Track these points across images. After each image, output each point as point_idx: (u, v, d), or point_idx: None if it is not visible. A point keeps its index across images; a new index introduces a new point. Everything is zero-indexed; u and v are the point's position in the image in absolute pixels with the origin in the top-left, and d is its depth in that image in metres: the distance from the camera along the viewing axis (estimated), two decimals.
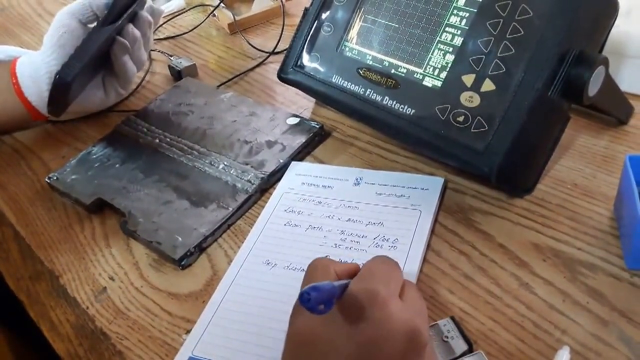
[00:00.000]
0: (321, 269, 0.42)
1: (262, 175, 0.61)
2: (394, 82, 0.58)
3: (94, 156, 0.67)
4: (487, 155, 0.51)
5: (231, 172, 0.62)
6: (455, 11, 0.55)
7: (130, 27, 0.69)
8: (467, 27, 0.54)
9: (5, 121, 0.70)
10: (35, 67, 0.66)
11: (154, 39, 0.90)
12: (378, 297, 0.37)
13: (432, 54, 0.56)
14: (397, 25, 0.59)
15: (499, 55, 0.52)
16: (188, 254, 0.55)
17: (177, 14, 0.98)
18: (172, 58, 0.83)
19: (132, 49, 0.69)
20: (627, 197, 0.48)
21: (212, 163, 0.64)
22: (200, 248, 0.56)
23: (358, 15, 0.62)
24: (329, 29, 0.64)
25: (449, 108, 0.54)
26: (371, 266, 0.41)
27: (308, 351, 0.38)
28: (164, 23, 0.95)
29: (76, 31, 0.66)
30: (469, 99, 0.53)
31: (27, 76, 0.67)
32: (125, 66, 0.70)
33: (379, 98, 0.58)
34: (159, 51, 0.87)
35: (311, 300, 0.34)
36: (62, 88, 0.64)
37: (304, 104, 0.72)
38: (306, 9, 0.67)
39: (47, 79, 0.66)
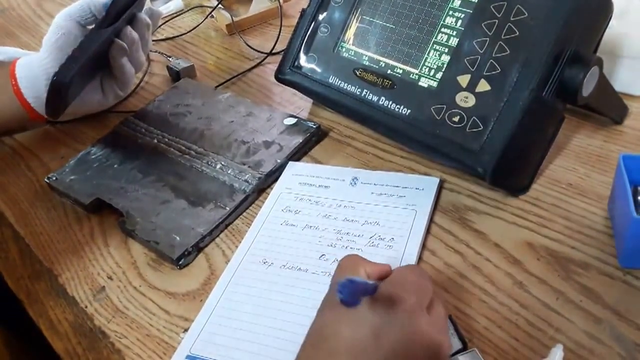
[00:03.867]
0: (351, 267, 0.41)
1: (260, 175, 0.61)
2: (390, 82, 0.58)
3: (93, 156, 0.68)
4: (482, 155, 0.52)
5: (229, 172, 0.63)
6: (450, 12, 0.56)
7: (129, 29, 0.69)
8: (462, 28, 0.55)
9: (4, 122, 0.70)
10: (34, 68, 0.67)
11: (153, 40, 0.90)
12: (406, 304, 0.38)
13: (427, 55, 0.57)
14: (393, 26, 0.60)
15: (494, 55, 0.52)
16: (186, 253, 0.55)
17: (175, 15, 0.98)
18: (170, 59, 0.83)
19: (131, 50, 0.69)
20: (620, 197, 0.48)
21: (210, 163, 0.64)
22: (198, 247, 0.56)
23: (355, 16, 0.63)
24: (326, 30, 0.65)
25: (445, 108, 0.54)
26: (403, 273, 0.41)
27: (331, 346, 0.38)
28: (162, 24, 0.96)
29: (74, 33, 0.66)
30: (465, 99, 0.53)
31: (26, 78, 0.67)
32: (124, 68, 0.70)
33: (375, 98, 0.59)
34: (157, 52, 0.87)
35: (345, 291, 0.35)
36: (59, 90, 0.64)
37: (301, 105, 0.73)
38: (303, 10, 0.67)
39: (45, 80, 0.66)
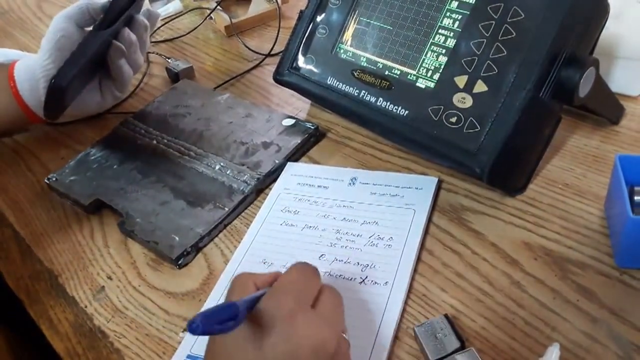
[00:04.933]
0: (239, 285, 0.41)
1: (258, 176, 0.62)
2: (387, 83, 0.59)
3: (93, 157, 0.68)
4: (479, 155, 0.52)
5: (227, 172, 0.63)
6: (448, 13, 0.56)
7: (127, 30, 0.69)
8: (459, 29, 0.55)
9: (3, 124, 0.71)
10: (32, 70, 0.67)
11: (152, 42, 0.90)
12: (284, 310, 0.37)
13: (425, 56, 0.57)
14: (390, 28, 0.60)
15: (491, 56, 0.53)
16: (185, 253, 0.56)
17: (174, 16, 0.98)
18: (169, 60, 0.84)
19: (128, 52, 0.70)
20: (617, 197, 0.49)
21: (209, 164, 0.64)
22: (197, 248, 0.57)
23: (352, 17, 0.63)
24: (324, 31, 0.65)
25: (442, 109, 0.54)
26: (284, 278, 0.41)
27: (217, 353, 0.37)
28: (161, 26, 0.96)
29: (73, 35, 0.67)
30: (462, 100, 0.54)
31: (25, 79, 0.67)
32: (122, 69, 0.70)
33: (373, 99, 0.59)
34: (156, 53, 0.88)
35: (200, 328, 0.34)
36: (57, 92, 0.64)
37: (300, 106, 0.73)
38: (301, 12, 0.67)
39: (43, 82, 0.66)
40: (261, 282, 0.41)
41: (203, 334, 0.34)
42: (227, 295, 0.41)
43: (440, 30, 0.57)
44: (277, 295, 0.38)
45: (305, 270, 0.42)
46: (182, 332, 0.50)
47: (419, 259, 0.52)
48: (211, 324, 0.34)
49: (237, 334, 0.37)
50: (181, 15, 0.99)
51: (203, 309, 0.51)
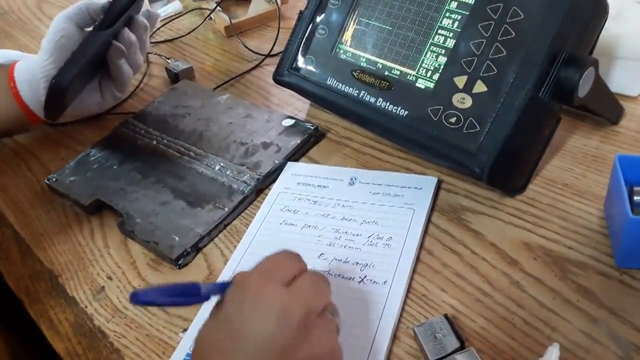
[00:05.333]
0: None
1: (258, 176, 0.62)
2: (387, 83, 0.59)
3: (93, 158, 0.68)
4: (478, 155, 0.52)
5: (227, 173, 0.63)
6: (447, 14, 0.56)
7: (126, 31, 0.69)
8: (459, 30, 0.55)
9: (3, 124, 0.71)
10: (33, 71, 0.67)
11: (152, 42, 0.90)
12: (252, 283, 0.38)
13: (424, 56, 0.57)
14: (390, 28, 0.60)
15: (490, 57, 0.53)
16: (185, 253, 0.56)
17: (174, 17, 0.98)
18: (169, 61, 0.84)
19: (128, 52, 0.70)
20: (616, 197, 0.49)
21: (209, 164, 0.64)
22: (197, 248, 0.57)
23: (352, 18, 0.63)
24: (324, 32, 0.65)
25: (442, 109, 0.55)
26: (262, 260, 0.42)
27: (201, 354, 0.38)
28: (161, 26, 0.96)
29: (73, 35, 0.67)
30: (461, 101, 0.54)
31: (25, 80, 0.67)
32: (122, 70, 0.71)
33: (372, 100, 0.59)
34: (156, 54, 0.88)
35: (138, 296, 0.36)
36: (57, 93, 0.65)
37: (299, 106, 0.73)
38: (301, 12, 0.68)
39: (43, 82, 0.66)
40: None
41: (142, 302, 0.37)
42: None
43: (439, 31, 0.57)
44: (247, 274, 0.39)
45: (284, 255, 0.42)
46: (182, 332, 0.50)
47: (418, 259, 0.52)
48: (157, 295, 0.37)
49: (213, 317, 0.38)
50: (181, 15, 0.99)
51: (201, 309, 0.51)
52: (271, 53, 0.83)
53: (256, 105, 0.73)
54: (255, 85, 0.79)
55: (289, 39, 0.68)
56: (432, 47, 0.57)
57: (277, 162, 0.63)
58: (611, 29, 0.59)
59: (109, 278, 0.56)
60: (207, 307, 0.51)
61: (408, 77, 0.58)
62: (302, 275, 0.41)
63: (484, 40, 0.53)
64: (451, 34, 0.56)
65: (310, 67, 0.66)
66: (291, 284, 0.39)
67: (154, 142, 0.69)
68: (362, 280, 0.50)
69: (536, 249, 0.51)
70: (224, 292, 0.39)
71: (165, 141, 0.69)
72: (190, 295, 0.38)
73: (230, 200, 0.60)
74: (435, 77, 0.56)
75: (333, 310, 0.42)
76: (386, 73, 0.59)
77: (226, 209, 0.59)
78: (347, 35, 0.63)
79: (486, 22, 0.53)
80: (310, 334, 0.38)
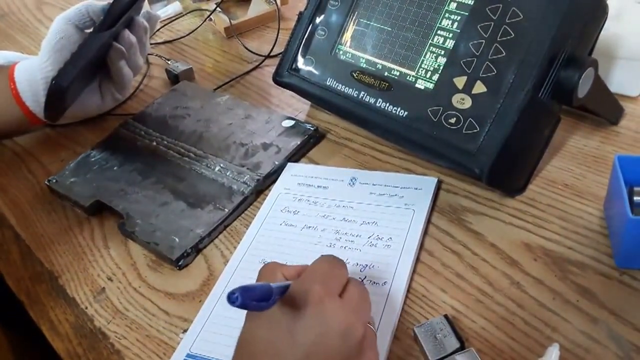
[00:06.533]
0: (267, 273, 0.43)
1: (258, 177, 0.62)
2: (387, 84, 0.59)
3: (93, 159, 0.68)
4: (478, 156, 0.52)
5: (227, 174, 0.63)
6: (447, 14, 0.56)
7: (127, 32, 0.69)
8: (458, 30, 0.55)
9: (3, 126, 0.71)
10: (33, 72, 0.67)
11: (151, 43, 0.90)
12: (314, 296, 0.38)
13: (424, 57, 0.57)
14: (390, 29, 0.60)
15: (490, 57, 0.53)
16: (185, 254, 0.56)
17: (174, 18, 0.98)
18: (169, 62, 0.84)
19: (128, 54, 0.70)
20: (616, 197, 0.49)
21: (209, 165, 0.64)
22: (197, 249, 0.57)
23: (352, 19, 0.63)
24: (323, 33, 0.65)
25: (441, 110, 0.55)
26: (313, 266, 0.42)
27: (251, 351, 0.39)
28: (161, 27, 0.96)
29: (73, 37, 0.67)
30: (461, 101, 0.54)
31: (25, 81, 0.67)
32: (122, 71, 0.71)
33: (372, 100, 0.59)
34: (156, 55, 0.88)
35: (239, 299, 0.35)
36: (58, 94, 0.65)
37: (299, 107, 0.73)
38: (301, 13, 0.68)
39: (43, 84, 0.66)
40: (288, 273, 0.42)
41: (240, 306, 0.36)
42: (257, 279, 0.43)
43: (439, 32, 0.57)
44: (307, 282, 0.40)
45: (333, 261, 0.43)
46: (182, 332, 0.50)
47: (418, 260, 0.52)
48: (248, 298, 0.36)
49: (270, 318, 0.39)
50: (181, 16, 0.99)
51: (201, 309, 0.51)
52: (271, 54, 0.83)
53: (256, 106, 0.73)
54: (255, 86, 0.79)
55: (289, 40, 0.68)
56: (431, 47, 0.57)
57: (277, 163, 0.63)
58: (611, 29, 0.59)
59: (109, 279, 0.56)
60: (207, 308, 0.51)
61: (408, 78, 0.58)
62: (351, 286, 0.42)
63: (484, 41, 0.53)
64: (450, 35, 0.56)
65: (310, 68, 0.66)
66: (344, 296, 0.41)
67: (154, 143, 0.69)
68: (362, 280, 0.50)
69: (536, 250, 0.51)
70: (281, 295, 0.39)
71: (165, 142, 0.69)
72: (267, 299, 0.37)
73: (231, 201, 0.60)
74: (435, 77, 0.56)
75: (371, 321, 0.44)
76: (386, 74, 0.59)
77: (226, 210, 0.59)
78: (347, 36, 0.63)
79: (485, 23, 0.54)
80: (364, 349, 0.40)
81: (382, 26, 0.61)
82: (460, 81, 0.54)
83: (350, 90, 0.61)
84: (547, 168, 0.58)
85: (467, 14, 0.55)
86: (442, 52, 0.56)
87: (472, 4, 0.55)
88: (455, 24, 0.56)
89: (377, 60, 0.60)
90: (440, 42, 0.56)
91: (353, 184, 0.60)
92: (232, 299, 0.35)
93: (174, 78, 0.81)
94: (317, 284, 0.39)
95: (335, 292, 0.40)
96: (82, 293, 0.55)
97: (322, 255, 0.44)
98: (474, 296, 0.49)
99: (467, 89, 0.53)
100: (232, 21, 0.90)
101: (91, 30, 0.68)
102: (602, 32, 0.56)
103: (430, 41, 0.57)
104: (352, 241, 0.54)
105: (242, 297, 0.35)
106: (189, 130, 0.70)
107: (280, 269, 0.43)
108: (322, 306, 0.38)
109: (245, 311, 0.40)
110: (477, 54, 0.53)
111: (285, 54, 0.68)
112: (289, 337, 0.37)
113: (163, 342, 0.50)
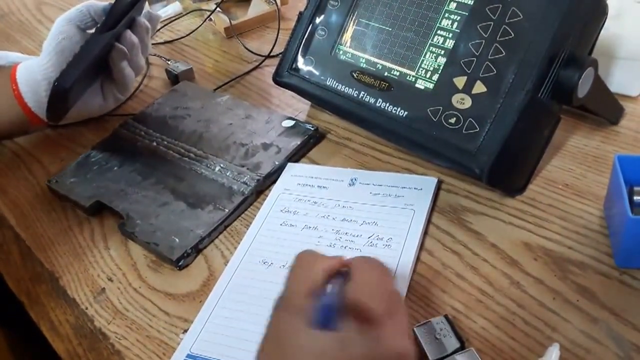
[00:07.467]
0: (306, 267, 0.41)
1: (258, 177, 0.62)
2: (387, 84, 0.59)
3: (93, 159, 0.68)
4: (478, 156, 0.52)
5: (227, 174, 0.63)
6: (446, 14, 0.56)
7: (128, 33, 0.69)
8: (458, 30, 0.55)
9: (5, 126, 0.71)
10: (34, 73, 0.67)
11: (152, 44, 0.90)
12: (374, 314, 0.37)
13: (424, 57, 0.57)
14: (390, 29, 0.60)
15: (489, 57, 0.53)
16: (185, 255, 0.56)
17: (174, 18, 0.98)
18: (169, 62, 0.84)
19: (130, 55, 0.70)
20: (616, 197, 0.49)
21: (209, 165, 0.64)
22: (197, 249, 0.57)
23: (352, 19, 0.63)
24: (323, 33, 0.65)
25: (441, 110, 0.55)
26: (366, 273, 0.40)
27: (290, 356, 0.36)
28: (161, 27, 0.96)
29: (74, 37, 0.67)
30: (461, 101, 0.54)
31: (26, 82, 0.67)
32: (124, 72, 0.70)
33: (372, 100, 0.59)
34: (156, 55, 0.88)
35: (321, 318, 0.35)
36: (60, 95, 0.65)
37: (299, 107, 0.73)
38: (301, 13, 0.68)
39: (45, 85, 0.66)
40: (327, 265, 0.40)
41: (323, 327, 0.36)
42: (291, 271, 0.41)
43: (439, 32, 0.57)
44: (365, 293, 0.38)
45: (387, 272, 0.41)
46: (182, 333, 0.50)
47: (418, 260, 0.52)
48: (327, 317, 0.36)
49: (325, 333, 0.36)
50: (181, 17, 0.99)
51: (201, 309, 0.51)
52: (271, 54, 0.83)
53: (256, 106, 0.73)
54: (255, 86, 0.79)
55: (289, 40, 0.68)
56: (431, 47, 0.57)
57: (277, 163, 0.63)
58: (611, 29, 0.59)
59: (110, 279, 0.56)
60: (207, 308, 0.51)
61: (408, 78, 0.58)
62: (397, 301, 0.41)
63: (483, 41, 0.53)
64: (450, 35, 0.56)
65: (310, 68, 0.66)
66: (392, 312, 0.39)
67: (154, 144, 0.69)
68: None
69: (536, 249, 0.51)
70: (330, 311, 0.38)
71: (166, 142, 0.69)
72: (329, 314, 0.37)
73: (231, 201, 0.60)
74: (435, 77, 0.56)
75: None
76: (386, 74, 0.59)
77: (226, 210, 0.59)
78: (347, 36, 0.63)
79: (485, 23, 0.54)
80: None
81: (382, 26, 0.61)
82: (460, 81, 0.54)
83: (350, 90, 0.61)
84: (547, 168, 0.58)
85: (466, 14, 0.55)
86: (442, 52, 0.56)
87: (471, 4, 0.55)
88: (455, 24, 0.56)
89: (377, 60, 0.60)
90: (440, 42, 0.56)
91: (353, 184, 0.60)
92: (319, 319, 0.36)
93: (174, 78, 0.81)
94: (378, 301, 0.37)
95: (390, 310, 0.38)
96: (83, 293, 0.56)
97: (368, 259, 0.42)
98: (474, 296, 0.49)
99: (467, 89, 0.53)
100: (232, 21, 0.90)
101: (93, 30, 0.68)
102: (602, 32, 0.56)
103: (430, 41, 0.57)
104: (352, 241, 0.54)
105: (322, 319, 0.36)
106: (189, 130, 0.70)
107: (319, 263, 0.40)
108: (380, 328, 0.36)
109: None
110: (477, 54, 0.53)
111: (285, 54, 0.68)
112: (340, 349, 0.35)
113: (163, 342, 0.50)
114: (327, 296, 0.37)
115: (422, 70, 0.57)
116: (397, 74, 0.59)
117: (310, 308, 0.35)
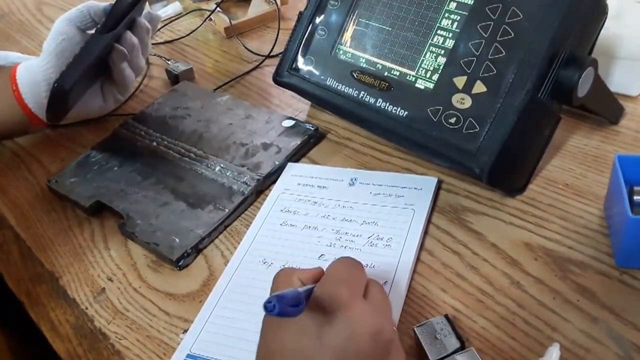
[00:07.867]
0: (283, 279, 0.42)
1: (258, 177, 0.62)
2: (387, 84, 0.59)
3: (93, 159, 0.68)
4: (478, 156, 0.52)
5: (227, 174, 0.63)
6: (446, 14, 0.56)
7: (129, 34, 0.69)
8: (458, 30, 0.55)
9: (5, 127, 0.71)
10: (34, 74, 0.67)
11: (152, 44, 0.90)
12: (342, 300, 0.38)
13: (424, 57, 0.57)
14: (390, 29, 0.60)
15: (489, 57, 0.53)
16: (185, 255, 0.56)
17: (174, 18, 0.98)
18: (169, 62, 0.84)
19: (131, 55, 0.70)
20: (616, 197, 0.49)
21: (209, 165, 0.64)
22: (197, 249, 0.57)
23: (352, 18, 0.63)
24: (323, 33, 0.65)
25: (441, 110, 0.55)
26: (333, 269, 0.42)
27: (274, 352, 0.38)
28: (161, 27, 0.96)
29: (75, 38, 0.67)
30: (461, 101, 0.54)
31: (26, 83, 0.67)
32: (124, 73, 0.70)
33: (372, 100, 0.59)
34: (156, 55, 0.88)
35: (276, 308, 0.35)
36: (60, 96, 0.65)
37: (299, 107, 0.73)
38: (301, 13, 0.68)
39: (45, 86, 0.66)
40: (305, 277, 0.42)
41: (278, 314, 0.35)
42: (272, 287, 0.42)
43: (439, 31, 0.57)
44: (330, 285, 0.40)
45: (352, 263, 0.43)
46: (182, 333, 0.50)
47: (418, 260, 0.52)
48: (285, 305, 0.36)
49: (297, 325, 0.38)
50: (181, 17, 0.99)
51: (201, 309, 0.51)
52: (271, 54, 0.83)
53: (256, 106, 0.73)
54: (255, 86, 0.79)
55: (289, 40, 0.68)
56: (431, 47, 0.57)
57: (277, 163, 0.63)
58: (611, 29, 0.59)
59: (110, 279, 0.56)
60: (207, 308, 0.51)
61: (408, 78, 0.58)
62: (372, 287, 0.42)
63: (483, 41, 0.53)
64: (450, 35, 0.56)
65: (310, 68, 0.66)
66: (368, 297, 0.41)
67: (154, 144, 0.69)
68: None
69: (537, 249, 0.51)
70: (307, 300, 0.39)
71: (166, 142, 0.69)
72: (297, 305, 0.37)
73: (231, 201, 0.60)
74: (435, 77, 0.56)
75: (393, 321, 0.45)
76: (386, 74, 0.59)
77: (226, 210, 0.59)
78: (347, 35, 0.63)
79: (485, 23, 0.54)
80: (392, 350, 0.40)
81: (382, 26, 0.61)
82: (460, 81, 0.54)
83: (350, 90, 0.61)
84: (547, 168, 0.58)
85: (466, 13, 0.55)
86: (442, 52, 0.56)
87: (471, 3, 0.55)
88: (455, 24, 0.56)
89: (377, 60, 0.60)
90: (440, 41, 0.56)
91: (353, 183, 0.60)
92: (269, 307, 0.35)
93: (174, 78, 0.81)
94: (341, 287, 0.39)
95: (360, 294, 0.40)
96: (83, 293, 0.56)
97: (338, 258, 0.44)
98: (474, 296, 0.49)
99: (467, 88, 0.53)
100: (232, 21, 0.90)
101: (93, 31, 0.68)
102: (602, 32, 0.56)
103: (430, 41, 0.57)
104: (352, 241, 0.54)
105: (279, 305, 0.35)
106: (189, 130, 0.70)
107: (296, 274, 0.42)
108: (350, 309, 0.38)
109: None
110: (477, 53, 0.53)
111: (285, 54, 0.68)
112: (318, 343, 0.37)
113: (163, 342, 0.50)
114: (293, 289, 0.38)
115: (422, 70, 0.57)
116: (397, 73, 0.59)
117: (274, 297, 0.36)
